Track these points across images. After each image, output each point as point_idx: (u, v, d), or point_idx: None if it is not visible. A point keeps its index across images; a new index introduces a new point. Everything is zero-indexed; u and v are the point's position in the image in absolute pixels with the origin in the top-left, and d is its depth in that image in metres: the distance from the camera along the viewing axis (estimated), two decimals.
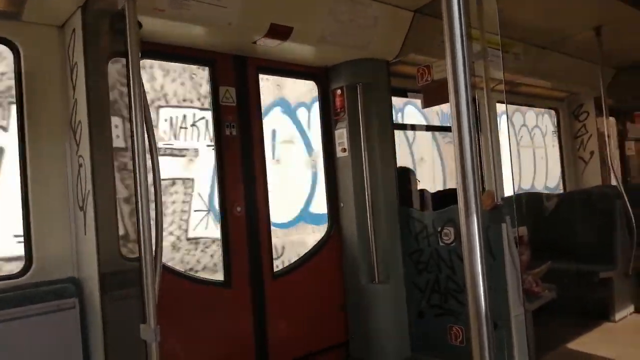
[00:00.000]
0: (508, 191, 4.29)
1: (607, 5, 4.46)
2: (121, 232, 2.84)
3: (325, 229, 4.38)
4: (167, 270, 3.33)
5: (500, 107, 5.49)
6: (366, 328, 4.14)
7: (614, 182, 5.34)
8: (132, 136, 2.44)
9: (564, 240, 5.07)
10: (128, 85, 2.45)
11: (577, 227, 5.15)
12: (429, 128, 5.87)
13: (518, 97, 6.30)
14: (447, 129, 5.75)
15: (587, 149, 6.74)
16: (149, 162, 2.47)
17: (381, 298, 4.11)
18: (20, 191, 2.93)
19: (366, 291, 4.15)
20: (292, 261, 4.23)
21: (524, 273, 3.81)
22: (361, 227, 4.17)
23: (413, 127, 5.66)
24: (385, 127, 4.29)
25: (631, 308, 4.88)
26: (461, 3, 1.29)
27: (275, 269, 3.96)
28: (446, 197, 4.69)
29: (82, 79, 2.79)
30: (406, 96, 4.91)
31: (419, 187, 4.78)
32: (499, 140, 5.36)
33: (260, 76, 4.02)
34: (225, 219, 3.69)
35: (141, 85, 2.45)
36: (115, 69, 2.87)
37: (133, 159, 2.43)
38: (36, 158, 2.94)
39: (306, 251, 4.25)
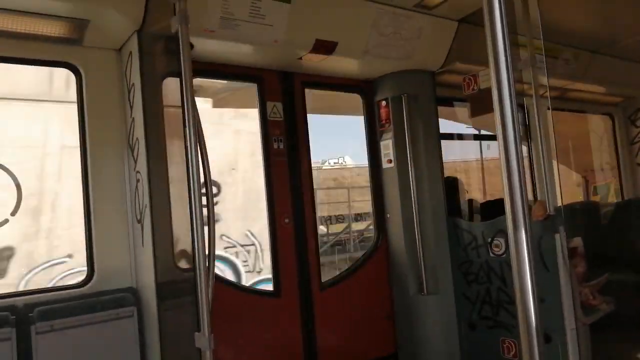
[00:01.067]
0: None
1: None
2: (176, 244, 2.96)
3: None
4: (220, 281, 3.43)
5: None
6: (415, 339, 4.12)
7: None
8: (186, 152, 2.54)
9: (622, 250, 4.87)
10: (182, 103, 2.56)
11: (637, 236, 4.94)
12: (477, 137, 5.79)
13: (570, 103, 6.13)
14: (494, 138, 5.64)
15: None
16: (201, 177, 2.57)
17: (430, 309, 4.09)
18: (83, 206, 3.11)
19: (414, 302, 4.13)
20: None
21: (580, 285, 3.69)
22: (408, 237, 4.16)
23: (460, 137, 5.60)
24: (432, 137, 4.27)
25: None
26: (503, 11, 1.29)
27: (322, 280, 4.00)
28: (495, 207, 4.61)
29: (139, 98, 2.95)
30: (452, 106, 4.87)
31: (467, 197, 4.73)
32: (550, 148, 5.22)
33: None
34: (274, 230, 3.78)
35: (194, 103, 2.56)
36: (170, 88, 3.00)
37: (187, 173, 2.53)
38: (97, 174, 3.12)
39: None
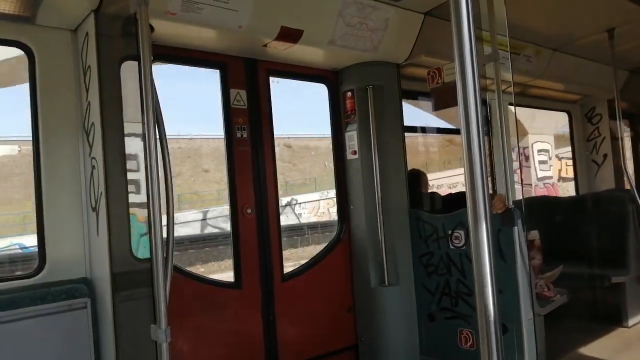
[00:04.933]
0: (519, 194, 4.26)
1: (620, 7, 4.42)
2: (133, 233, 2.88)
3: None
4: (178, 271, 3.36)
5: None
6: (375, 330, 4.14)
7: (627, 186, 5.29)
8: (144, 138, 2.46)
9: (576, 244, 5.03)
10: (140, 88, 2.47)
11: (590, 231, 5.11)
12: (440, 130, 5.85)
13: (530, 99, 6.26)
14: (457, 132, 5.72)
15: (600, 152, 6.67)
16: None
17: (391, 300, 4.11)
18: (35, 193, 2.97)
19: (375, 293, 4.14)
20: None
21: (535, 277, 3.79)
22: (371, 229, 4.17)
23: (424, 130, 5.65)
24: (396, 130, 4.29)
25: None
26: (469, 5, 1.29)
27: (285, 271, 3.97)
28: (457, 200, 4.68)
29: (95, 82, 2.84)
30: (417, 99, 4.90)
31: (430, 189, 4.78)
32: (510, 143, 5.33)
33: None
34: (236, 220, 3.72)
35: (153, 88, 2.48)
36: (127, 72, 2.90)
37: (145, 160, 2.45)
38: (50, 160, 2.99)
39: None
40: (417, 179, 4.64)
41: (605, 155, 6.63)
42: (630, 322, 4.65)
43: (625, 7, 4.39)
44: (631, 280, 4.69)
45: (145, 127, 2.45)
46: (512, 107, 5.16)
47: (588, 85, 6.28)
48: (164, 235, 2.45)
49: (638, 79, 6.32)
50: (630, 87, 6.20)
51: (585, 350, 4.14)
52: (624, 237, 4.79)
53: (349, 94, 4.28)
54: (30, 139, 2.99)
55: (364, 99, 4.20)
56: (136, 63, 2.49)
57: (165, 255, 2.44)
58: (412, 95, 4.84)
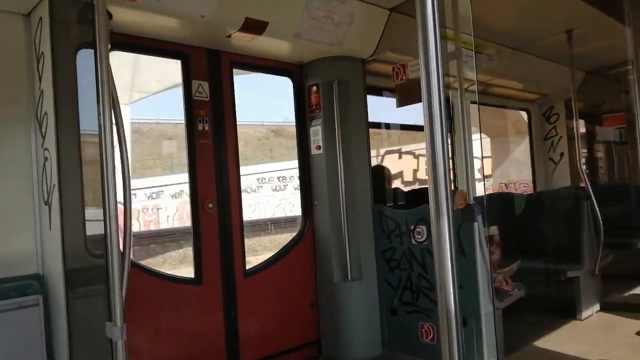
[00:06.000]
0: (480, 191, 4.34)
1: (579, 9, 4.54)
2: (88, 228, 2.77)
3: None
4: (136, 267, 3.27)
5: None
6: (338, 326, 4.14)
7: (582, 184, 5.45)
8: (99, 129, 2.37)
9: (533, 240, 5.16)
10: (96, 77, 2.38)
11: (546, 227, 5.25)
12: (404, 127, 5.89)
13: (491, 97, 6.38)
14: (421, 129, 5.76)
15: (557, 150, 6.86)
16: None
17: (353, 296, 4.11)
18: None
19: (338, 289, 4.14)
20: None
21: (494, 272, 3.86)
22: (335, 224, 4.16)
23: (388, 126, 5.68)
24: (361, 125, 4.28)
25: (597, 306, 4.99)
26: (435, 2, 1.28)
27: (247, 267, 3.92)
28: (419, 196, 4.73)
29: (49, 69, 2.71)
30: (381, 95, 4.92)
31: (393, 185, 4.81)
32: (472, 141, 5.41)
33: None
34: (197, 215, 3.64)
35: (110, 77, 2.39)
36: (83, 60, 2.79)
37: (100, 152, 2.37)
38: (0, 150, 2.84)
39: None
40: (380, 174, 4.67)
41: (562, 154, 6.81)
42: (584, 314, 4.80)
43: (583, 9, 4.50)
44: (585, 274, 4.84)
45: (101, 117, 2.36)
46: (473, 105, 5.24)
47: (546, 84, 6.45)
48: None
49: (594, 79, 6.53)
50: (586, 87, 6.40)
51: (540, 342, 4.25)
52: (579, 233, 4.93)
53: (314, 88, 4.25)
54: None
55: (329, 94, 4.18)
56: (92, 51, 2.40)
57: (122, 250, 2.36)
58: (377, 91, 4.84)
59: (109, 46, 2.43)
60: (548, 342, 4.26)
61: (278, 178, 24.55)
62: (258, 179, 24.30)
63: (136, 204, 21.93)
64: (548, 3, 4.47)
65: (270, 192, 24.66)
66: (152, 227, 22.01)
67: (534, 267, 4.72)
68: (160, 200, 23.32)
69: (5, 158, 2.86)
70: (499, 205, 5.71)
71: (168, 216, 23.02)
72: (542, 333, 4.40)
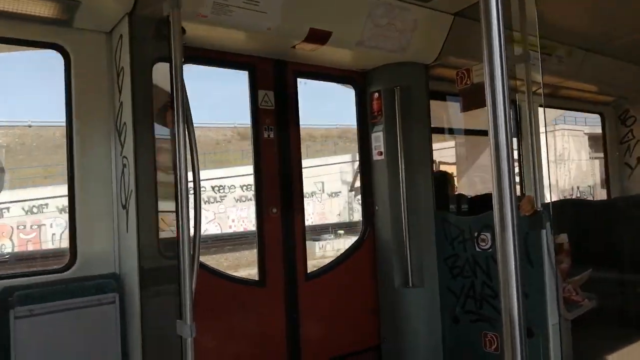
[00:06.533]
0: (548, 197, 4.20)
1: None
2: (161, 231, 2.94)
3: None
4: (204, 269, 3.42)
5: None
6: (399, 332, 4.14)
7: None
8: (174, 138, 2.52)
9: (607, 249, 4.92)
10: (172, 89, 2.53)
11: (621, 235, 4.99)
12: (468, 132, 5.79)
13: (562, 100, 6.15)
14: (484, 133, 5.62)
15: (634, 155, 6.51)
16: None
17: (415, 302, 4.10)
18: (68, 190, 3.07)
19: (399, 295, 4.14)
20: None
21: (563, 281, 3.72)
22: (396, 230, 4.17)
23: (451, 131, 5.61)
24: (423, 131, 4.26)
25: None
26: (499, 6, 1.28)
27: (309, 270, 4.00)
28: (484, 202, 4.63)
29: (128, 82, 2.92)
30: (445, 100, 4.87)
31: (457, 191, 4.74)
32: (540, 145, 5.25)
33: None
34: (261, 219, 3.77)
35: (184, 89, 2.53)
36: (160, 73, 2.97)
37: (174, 160, 2.51)
38: (83, 158, 3.09)
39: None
40: (443, 180, 4.62)
41: (638, 159, 6.46)
42: None
43: None
44: None
45: (175, 127, 2.51)
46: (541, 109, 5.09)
47: (622, 87, 6.14)
48: (192, 233, 2.51)
49: None
50: None
51: (614, 357, 4.05)
52: None
53: (376, 94, 4.28)
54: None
55: (391, 100, 4.20)
56: (167, 64, 2.55)
57: (192, 252, 2.49)
58: (440, 96, 4.80)
59: (183, 60, 2.58)
60: (622, 357, 4.05)
61: (212, 188, 21.68)
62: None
63: (8, 219, 17.87)
64: (623, 1, 4.27)
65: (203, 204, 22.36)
66: (31, 248, 17.63)
67: (607, 277, 4.51)
68: (42, 215, 18.48)
69: (88, 165, 3.09)
70: (570, 212, 5.49)
71: (54, 234, 18.28)
72: (615, 348, 4.19)
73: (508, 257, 1.28)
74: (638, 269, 4.61)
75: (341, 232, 18.16)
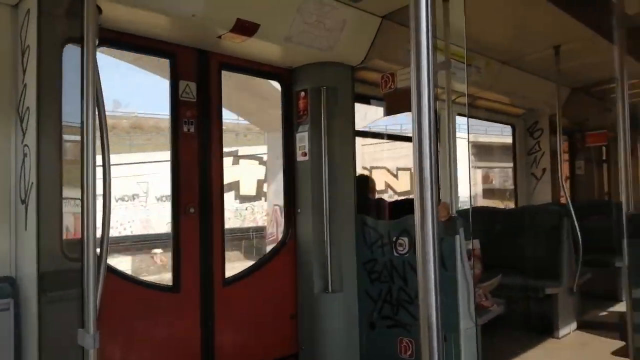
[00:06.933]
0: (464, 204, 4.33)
1: (567, 25, 4.57)
2: (65, 230, 2.68)
3: None
4: (112, 272, 3.17)
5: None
6: (316, 338, 4.07)
7: (563, 201, 5.49)
8: (82, 127, 2.29)
9: (513, 255, 5.17)
10: (82, 73, 2.30)
11: (526, 242, 5.27)
12: (390, 137, 5.89)
13: (476, 110, 6.40)
14: (408, 139, 5.76)
15: (540, 166, 6.91)
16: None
17: (333, 308, 4.05)
18: None
19: (318, 300, 4.07)
20: None
21: (475, 286, 3.85)
22: (317, 234, 4.10)
23: (374, 135, 5.67)
24: (347, 133, 4.24)
25: (574, 325, 5.02)
26: (429, 12, 1.27)
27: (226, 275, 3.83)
28: (403, 207, 4.71)
29: (34, 63, 2.64)
30: (369, 103, 4.90)
31: (377, 195, 4.78)
32: (456, 152, 5.43)
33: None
34: (177, 219, 3.56)
35: (96, 73, 2.31)
36: (69, 55, 2.71)
37: (82, 151, 2.29)
38: None
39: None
40: (364, 184, 4.64)
41: (544, 170, 6.85)
42: (561, 332, 4.82)
43: (572, 26, 4.53)
44: (563, 292, 4.87)
45: (85, 114, 2.28)
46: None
47: (532, 99, 6.49)
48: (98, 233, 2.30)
49: (579, 96, 6.60)
50: (571, 104, 6.46)
51: None
52: (559, 250, 4.96)
53: (302, 93, 4.20)
54: None
55: (317, 100, 4.13)
56: (79, 46, 2.32)
57: (98, 254, 2.29)
58: (365, 99, 4.82)
59: (97, 42, 2.36)
60: None
61: None
62: None
63: None
64: (537, 18, 4.50)
65: None
66: None
67: (513, 282, 4.73)
68: None
69: None
70: (480, 219, 5.72)
71: None
72: (518, 351, 4.40)
73: (428, 261, 1.28)
74: (540, 274, 4.87)
75: (157, 250, 14.60)
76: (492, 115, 6.80)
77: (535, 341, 4.65)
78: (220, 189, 3.81)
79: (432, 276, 1.27)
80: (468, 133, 4.79)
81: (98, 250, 2.31)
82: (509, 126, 7.09)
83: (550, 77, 5.54)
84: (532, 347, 4.54)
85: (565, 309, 4.89)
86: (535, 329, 4.86)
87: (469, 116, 6.42)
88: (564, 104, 6.14)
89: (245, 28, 3.43)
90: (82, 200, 2.28)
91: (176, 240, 3.55)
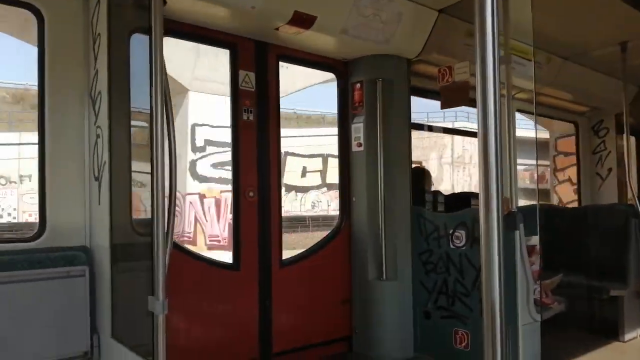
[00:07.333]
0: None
1: (635, 21, 4.39)
2: (134, 204, 2.84)
3: None
4: (177, 249, 3.33)
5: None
6: (370, 324, 4.11)
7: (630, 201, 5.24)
8: (150, 111, 2.42)
9: (576, 254, 4.99)
10: (150, 61, 2.43)
11: (591, 242, 5.07)
12: (447, 130, 5.81)
13: (537, 107, 6.21)
14: (468, 134, 5.68)
15: (605, 165, 6.64)
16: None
17: (387, 295, 4.08)
18: (38, 158, 2.94)
19: (373, 287, 4.11)
20: None
21: (534, 283, 3.75)
22: (372, 222, 4.13)
23: (431, 128, 5.61)
24: (403, 125, 4.25)
25: None
26: (495, 7, 1.26)
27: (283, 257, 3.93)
28: (459, 200, 4.64)
29: (105, 50, 2.81)
30: (426, 96, 4.86)
31: (433, 188, 4.73)
32: (516, 148, 5.30)
33: None
34: (238, 203, 3.69)
35: (162, 61, 2.43)
36: (136, 43, 2.86)
37: (150, 134, 2.41)
38: (55, 126, 2.97)
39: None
40: (420, 176, 4.61)
41: (609, 169, 6.59)
42: (627, 336, 4.61)
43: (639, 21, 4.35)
44: (629, 294, 4.65)
45: (153, 100, 2.40)
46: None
47: (597, 97, 6.25)
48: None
49: None
50: (639, 102, 6.17)
51: None
52: (625, 251, 4.75)
53: (358, 85, 4.24)
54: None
55: (372, 92, 4.16)
56: (146, 36, 2.45)
57: (165, 229, 2.40)
58: (421, 92, 4.79)
59: (162, 32, 2.48)
60: None
61: None
62: None
63: None
64: (603, 13, 4.34)
65: None
66: None
67: (576, 282, 4.58)
68: None
69: (60, 134, 2.98)
70: (542, 216, 5.55)
71: None
72: (580, 351, 4.24)
73: (492, 255, 1.27)
74: (605, 276, 4.68)
75: None
76: (553, 111, 6.59)
77: (599, 343, 4.47)
78: (278, 175, 3.91)
79: (496, 270, 1.27)
80: (536, 130, 4.66)
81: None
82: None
83: (616, 75, 5.31)
84: (596, 348, 4.37)
85: (632, 312, 4.66)
86: (598, 330, 4.66)
87: (529, 112, 6.27)
88: (632, 103, 5.86)
89: (303, 20, 3.50)
90: (151, 179, 2.40)
91: (236, 221, 3.69)
